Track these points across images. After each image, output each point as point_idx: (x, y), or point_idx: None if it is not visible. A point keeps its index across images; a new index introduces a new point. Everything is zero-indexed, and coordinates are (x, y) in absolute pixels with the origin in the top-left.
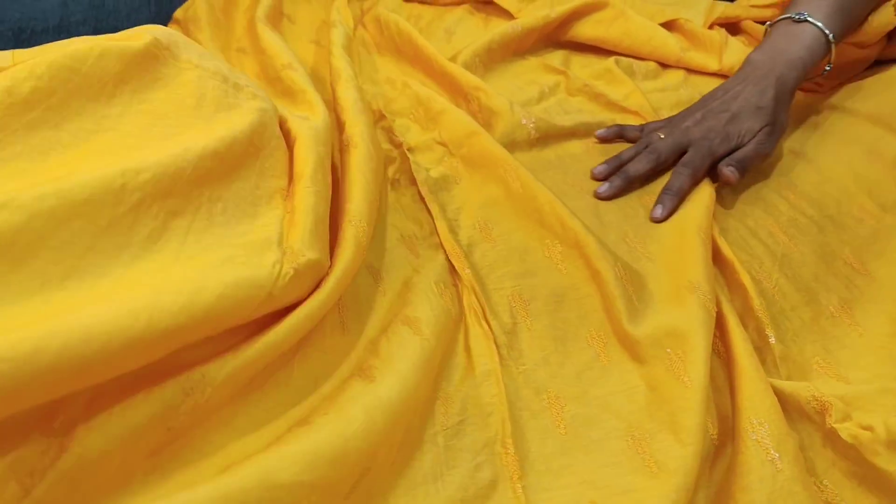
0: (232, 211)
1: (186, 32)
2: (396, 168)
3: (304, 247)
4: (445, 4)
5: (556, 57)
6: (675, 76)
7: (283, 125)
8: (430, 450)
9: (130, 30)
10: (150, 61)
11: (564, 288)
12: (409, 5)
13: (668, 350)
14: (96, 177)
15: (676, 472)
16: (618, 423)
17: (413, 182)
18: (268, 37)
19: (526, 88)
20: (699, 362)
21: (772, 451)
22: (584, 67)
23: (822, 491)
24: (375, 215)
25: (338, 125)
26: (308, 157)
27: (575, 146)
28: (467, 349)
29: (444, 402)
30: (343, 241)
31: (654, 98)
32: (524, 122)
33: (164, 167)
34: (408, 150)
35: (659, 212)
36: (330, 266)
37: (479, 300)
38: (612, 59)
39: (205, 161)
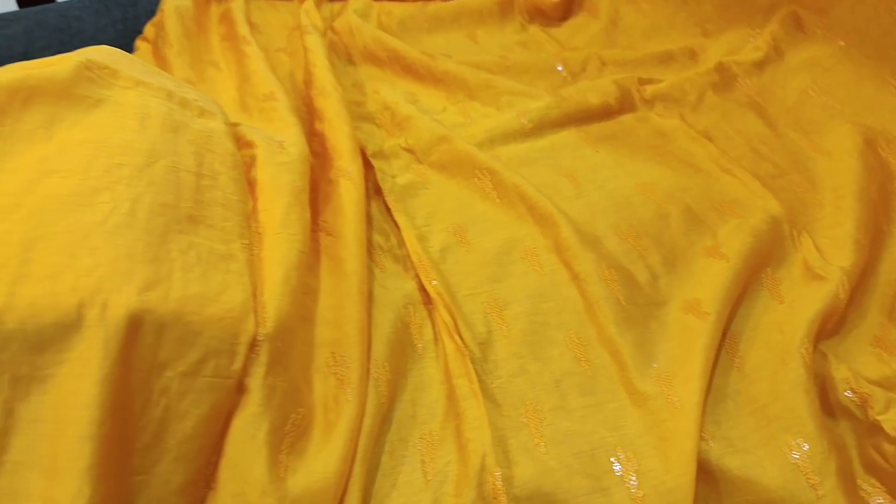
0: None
1: (155, 49)
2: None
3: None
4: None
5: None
6: None
7: (246, 146)
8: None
9: (63, 56)
10: (85, 85)
11: (543, 289)
12: (379, 4)
13: (655, 365)
14: None
15: None
16: (599, 439)
17: (378, 191)
18: (254, 63)
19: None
20: (693, 382)
21: (813, 477)
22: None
23: (866, 495)
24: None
25: (325, 150)
26: (279, 196)
27: (569, 133)
28: (446, 371)
29: (429, 443)
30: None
31: None
32: (518, 117)
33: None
34: (371, 156)
35: None
36: None
37: (450, 313)
38: None
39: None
